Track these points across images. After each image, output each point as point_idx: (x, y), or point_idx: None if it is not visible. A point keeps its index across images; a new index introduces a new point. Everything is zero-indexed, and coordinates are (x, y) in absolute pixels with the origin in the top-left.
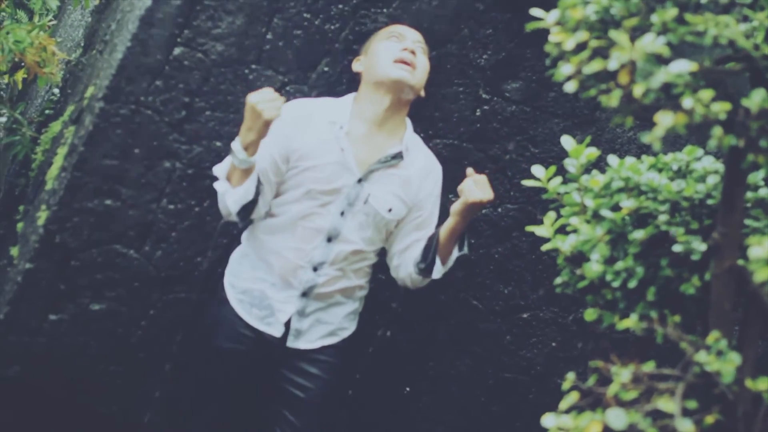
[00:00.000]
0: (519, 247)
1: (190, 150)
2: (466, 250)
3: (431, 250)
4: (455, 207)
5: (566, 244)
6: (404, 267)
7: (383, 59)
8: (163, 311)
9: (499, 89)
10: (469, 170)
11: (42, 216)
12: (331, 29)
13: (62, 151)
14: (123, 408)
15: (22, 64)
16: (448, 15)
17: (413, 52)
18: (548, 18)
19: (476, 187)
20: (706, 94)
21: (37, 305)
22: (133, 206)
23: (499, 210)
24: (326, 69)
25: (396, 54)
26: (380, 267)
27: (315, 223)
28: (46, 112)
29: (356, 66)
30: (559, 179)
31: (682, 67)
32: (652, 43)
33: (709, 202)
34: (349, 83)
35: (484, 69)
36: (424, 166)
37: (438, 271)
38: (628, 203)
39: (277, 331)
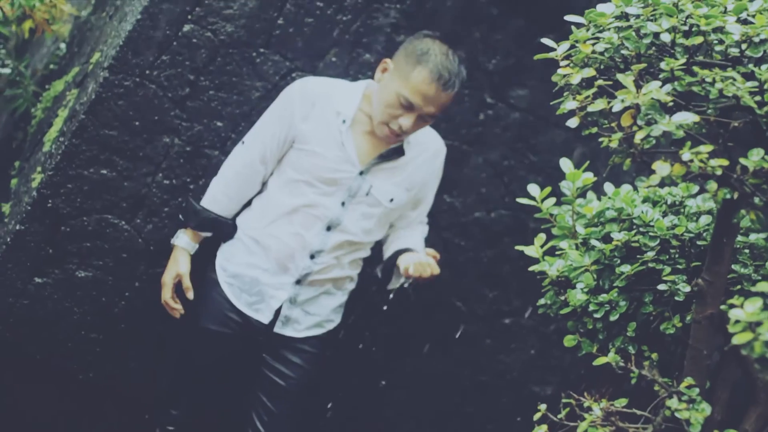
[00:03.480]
0: (508, 252)
1: (190, 127)
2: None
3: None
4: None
5: (553, 268)
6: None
7: (380, 112)
8: (148, 284)
9: (504, 95)
10: (430, 251)
11: (36, 179)
12: (343, 20)
13: (63, 113)
14: (100, 375)
15: (31, 17)
16: (460, 16)
17: (403, 131)
18: (558, 50)
19: (421, 268)
20: (705, 148)
21: (23, 267)
22: (128, 178)
23: (492, 215)
24: (334, 59)
25: (389, 120)
26: (367, 260)
27: (316, 211)
28: (51, 66)
29: (378, 74)
30: (552, 200)
31: (685, 117)
32: (657, 90)
33: (700, 242)
34: (356, 75)
35: (491, 74)
36: (433, 152)
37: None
38: (618, 236)
39: (265, 318)
